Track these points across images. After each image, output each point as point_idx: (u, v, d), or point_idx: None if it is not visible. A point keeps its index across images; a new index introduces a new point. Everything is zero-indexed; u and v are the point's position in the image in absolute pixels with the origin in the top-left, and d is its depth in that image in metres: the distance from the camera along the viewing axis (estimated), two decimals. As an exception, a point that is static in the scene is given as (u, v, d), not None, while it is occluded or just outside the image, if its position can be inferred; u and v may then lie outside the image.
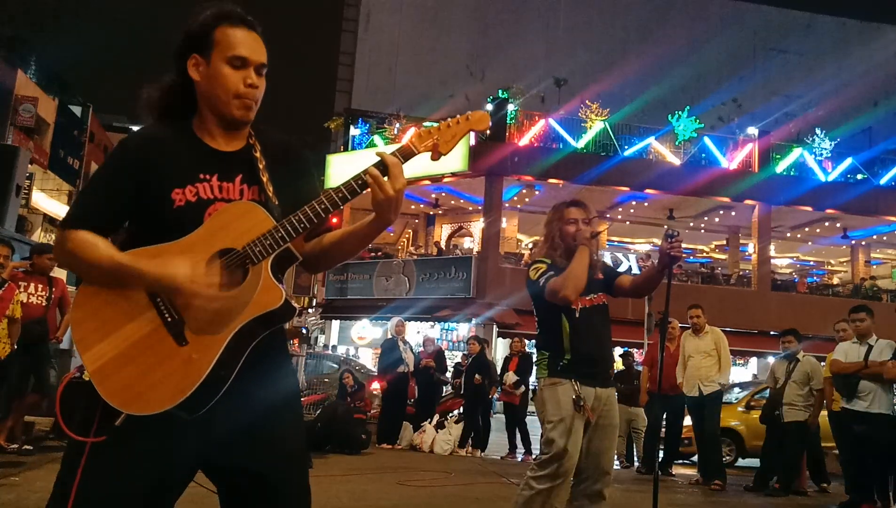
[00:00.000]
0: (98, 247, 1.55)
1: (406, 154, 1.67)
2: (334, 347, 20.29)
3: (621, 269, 17.42)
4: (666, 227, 3.29)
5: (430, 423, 9.69)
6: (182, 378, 1.49)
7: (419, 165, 18.27)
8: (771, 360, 13.31)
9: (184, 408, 1.49)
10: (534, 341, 3.63)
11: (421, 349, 11.06)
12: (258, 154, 1.70)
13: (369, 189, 1.62)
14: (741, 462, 10.70)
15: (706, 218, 21.55)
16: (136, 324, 1.53)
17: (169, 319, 1.53)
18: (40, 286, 6.39)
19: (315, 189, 1.72)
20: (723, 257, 24.35)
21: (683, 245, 3.02)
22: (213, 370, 1.49)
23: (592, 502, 3.14)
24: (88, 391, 1.53)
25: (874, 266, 24.31)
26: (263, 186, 1.66)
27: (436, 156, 1.71)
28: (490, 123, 1.77)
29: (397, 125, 19.84)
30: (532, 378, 7.36)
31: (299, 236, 1.59)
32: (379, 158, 1.63)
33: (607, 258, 18.13)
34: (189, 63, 1.65)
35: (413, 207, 21.64)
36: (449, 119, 1.73)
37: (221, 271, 1.55)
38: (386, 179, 1.61)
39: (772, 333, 15.66)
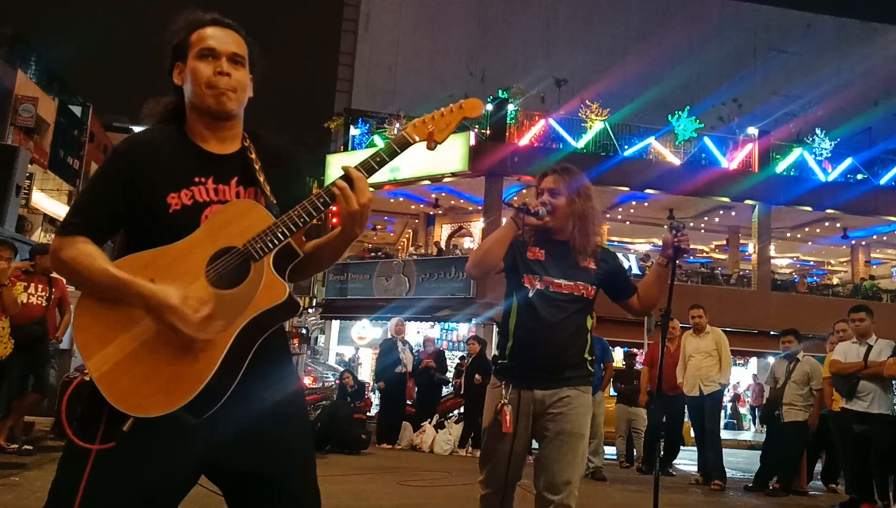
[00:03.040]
0: (95, 260, 1.55)
1: (402, 144, 1.68)
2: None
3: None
4: (672, 221, 3.12)
5: (430, 423, 9.70)
6: (189, 378, 1.48)
7: (419, 165, 18.20)
8: (771, 360, 13.29)
9: (191, 410, 1.48)
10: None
11: (421, 349, 11.06)
12: (253, 155, 1.70)
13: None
14: (742, 461, 10.70)
15: (706, 218, 21.54)
16: (140, 327, 1.52)
17: None
18: (40, 286, 6.40)
19: (307, 191, 1.74)
20: (723, 257, 24.34)
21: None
22: (219, 368, 1.48)
23: None
24: (90, 394, 1.52)
25: (874, 266, 24.30)
26: (261, 186, 1.67)
27: (431, 144, 1.73)
28: (483, 110, 1.79)
29: (397, 125, 19.84)
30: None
31: (300, 230, 1.60)
32: (344, 172, 1.63)
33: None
34: (175, 73, 1.69)
35: (413, 207, 21.63)
36: (443, 108, 1.74)
37: (220, 287, 1.54)
38: (353, 192, 1.62)
39: (772, 333, 15.65)
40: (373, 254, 20.87)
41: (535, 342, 2.68)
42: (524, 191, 18.42)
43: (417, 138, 1.70)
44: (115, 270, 1.53)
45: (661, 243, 2.74)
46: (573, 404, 2.66)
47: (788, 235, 22.53)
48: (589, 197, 2.78)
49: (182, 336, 1.49)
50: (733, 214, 20.91)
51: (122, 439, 1.49)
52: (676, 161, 19.75)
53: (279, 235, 1.56)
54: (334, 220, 1.78)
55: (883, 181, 20.63)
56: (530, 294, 2.68)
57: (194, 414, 1.49)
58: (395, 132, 19.56)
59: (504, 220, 2.71)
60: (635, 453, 9.32)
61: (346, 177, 1.62)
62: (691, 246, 23.97)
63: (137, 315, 1.52)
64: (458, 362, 11.83)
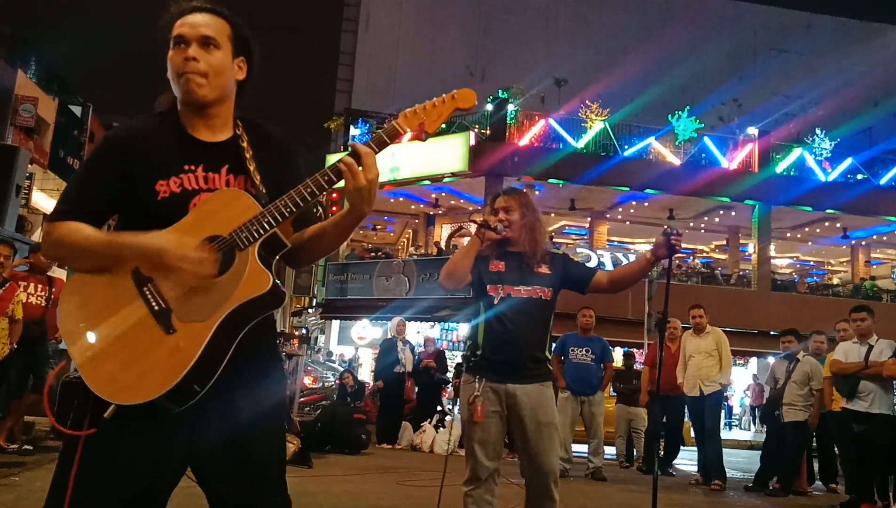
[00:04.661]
0: (83, 230, 1.56)
1: (391, 134, 1.65)
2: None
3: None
4: (666, 227, 3.12)
5: (430, 423, 9.69)
6: (170, 367, 1.47)
7: (419, 165, 18.18)
8: (771, 360, 13.31)
9: (171, 398, 1.47)
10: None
11: (421, 349, 11.05)
12: (245, 144, 1.70)
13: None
14: (742, 461, 10.69)
15: (706, 218, 21.54)
16: (123, 314, 1.52)
17: (156, 307, 1.52)
18: (40, 286, 6.39)
19: (302, 181, 1.71)
20: (723, 257, 24.34)
21: (683, 245, 2.96)
22: (200, 357, 1.47)
23: None
24: (81, 388, 1.52)
25: (874, 266, 24.30)
26: (250, 175, 1.66)
27: (422, 135, 1.69)
28: (476, 101, 1.72)
29: (397, 125, 19.81)
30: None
31: (286, 220, 1.58)
32: (351, 148, 1.62)
33: (607, 259, 18.11)
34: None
35: (413, 207, 21.64)
36: (435, 98, 1.70)
37: (211, 252, 1.54)
38: (360, 168, 1.60)
39: (772, 333, 15.65)
40: (373, 254, 20.88)
41: (502, 343, 3.01)
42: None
43: (407, 129, 1.67)
44: (103, 233, 1.56)
45: (657, 238, 2.91)
46: (542, 397, 3.00)
47: (788, 235, 22.53)
48: (535, 210, 3.19)
49: (186, 276, 1.49)
50: (733, 214, 20.91)
51: (107, 426, 1.49)
52: (676, 161, 19.75)
53: (265, 224, 1.55)
54: (334, 208, 1.76)
55: (883, 181, 20.63)
56: (495, 301, 3.07)
57: (175, 403, 1.49)
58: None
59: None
60: (635, 453, 9.31)
61: (354, 153, 1.61)
62: (692, 246, 24.12)
63: (123, 301, 1.53)
64: (459, 362, 11.82)
